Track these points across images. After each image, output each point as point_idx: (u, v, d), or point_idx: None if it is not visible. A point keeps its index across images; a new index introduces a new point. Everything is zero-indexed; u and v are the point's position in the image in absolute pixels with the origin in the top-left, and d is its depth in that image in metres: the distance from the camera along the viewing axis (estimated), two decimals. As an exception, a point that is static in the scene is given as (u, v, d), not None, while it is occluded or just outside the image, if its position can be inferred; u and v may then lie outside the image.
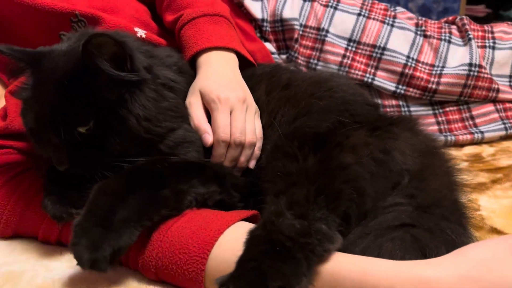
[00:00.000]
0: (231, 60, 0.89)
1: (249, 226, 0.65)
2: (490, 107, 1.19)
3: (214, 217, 0.66)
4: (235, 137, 0.77)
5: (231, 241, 0.62)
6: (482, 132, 1.18)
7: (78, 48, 0.65)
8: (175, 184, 0.66)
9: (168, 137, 0.72)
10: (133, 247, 0.63)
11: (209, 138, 0.77)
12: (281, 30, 1.23)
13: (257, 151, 0.81)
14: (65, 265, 0.70)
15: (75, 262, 0.69)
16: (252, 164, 0.80)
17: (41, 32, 0.89)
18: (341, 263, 0.56)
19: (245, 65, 0.93)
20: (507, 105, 1.20)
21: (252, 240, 0.52)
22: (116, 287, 0.64)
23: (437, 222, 0.65)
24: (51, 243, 0.76)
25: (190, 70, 0.88)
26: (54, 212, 0.71)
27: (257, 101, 0.84)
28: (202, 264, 0.61)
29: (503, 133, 1.18)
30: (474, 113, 1.20)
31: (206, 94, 0.81)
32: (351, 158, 0.65)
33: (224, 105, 0.79)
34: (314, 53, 1.22)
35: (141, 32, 0.92)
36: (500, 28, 1.25)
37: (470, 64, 1.16)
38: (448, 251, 0.58)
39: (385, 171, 0.67)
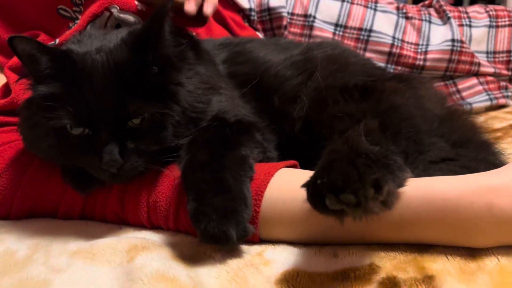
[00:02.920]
0: None
1: (295, 170, 0.64)
2: (473, 81, 1.26)
3: (260, 165, 0.64)
4: None
5: (283, 182, 0.61)
6: (470, 104, 1.24)
7: (126, 41, 0.63)
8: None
9: (207, 112, 0.68)
10: (184, 206, 0.60)
11: None
12: (268, 19, 1.25)
13: None
14: (96, 231, 0.64)
15: (105, 228, 0.65)
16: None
17: (39, 7, 0.85)
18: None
19: None
20: (488, 78, 1.27)
21: (334, 152, 0.49)
22: (170, 248, 0.59)
23: (476, 153, 0.67)
24: (72, 218, 0.69)
25: None
26: (77, 182, 0.66)
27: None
28: (257, 206, 0.59)
29: (488, 103, 1.24)
30: (460, 87, 1.25)
31: None
32: (400, 99, 0.67)
33: None
34: (303, 39, 1.24)
35: (141, 6, 0.90)
36: (472, 9, 1.34)
37: (453, 40, 1.22)
38: None
39: (426, 113, 0.69)
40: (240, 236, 0.55)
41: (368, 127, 0.58)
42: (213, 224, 0.54)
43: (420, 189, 0.54)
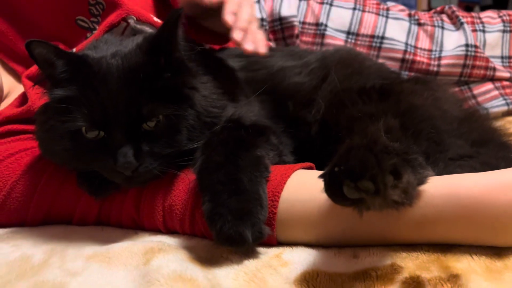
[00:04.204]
0: None
1: (312, 171, 0.63)
2: (489, 86, 1.24)
3: (276, 166, 0.63)
4: None
5: (300, 183, 0.60)
6: (486, 109, 1.21)
7: (141, 45, 0.63)
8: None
9: (222, 117, 0.68)
10: (199, 209, 0.59)
11: None
12: (280, 29, 1.25)
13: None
14: (111, 236, 0.64)
15: (121, 233, 0.65)
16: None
17: (58, 18, 0.86)
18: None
19: None
20: (504, 83, 1.25)
21: (350, 145, 0.48)
22: (186, 251, 0.58)
23: (497, 151, 0.66)
24: (88, 224, 0.69)
25: None
26: (92, 187, 0.66)
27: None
28: (274, 207, 0.58)
29: (505, 108, 1.22)
30: (475, 92, 1.24)
31: None
32: (418, 99, 0.67)
33: None
34: (315, 47, 1.24)
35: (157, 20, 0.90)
36: (486, 14, 1.32)
37: (467, 45, 1.21)
38: None
39: (445, 114, 0.68)
40: (255, 238, 0.54)
41: (388, 125, 0.57)
42: (229, 225, 0.53)
43: (442, 187, 0.53)
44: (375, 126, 0.55)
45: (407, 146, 0.55)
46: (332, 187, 0.46)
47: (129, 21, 0.84)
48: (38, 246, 0.63)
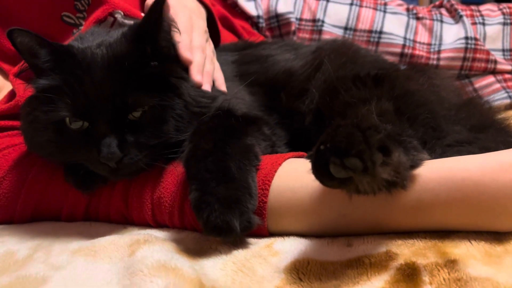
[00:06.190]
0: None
1: (304, 160, 0.61)
2: (491, 79, 1.21)
3: (267, 156, 0.61)
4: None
5: (291, 171, 0.58)
6: (488, 102, 1.19)
7: (126, 34, 0.62)
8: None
9: (211, 107, 0.66)
10: (188, 201, 0.56)
11: None
12: (277, 26, 1.24)
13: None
14: (99, 231, 0.62)
15: (109, 228, 0.63)
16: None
17: (44, 14, 0.85)
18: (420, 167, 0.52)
19: None
20: (506, 76, 1.22)
21: (338, 124, 0.46)
22: (175, 243, 0.56)
23: (495, 136, 0.63)
24: (76, 219, 0.67)
25: None
26: (79, 181, 0.64)
27: None
28: (264, 196, 0.56)
29: (508, 101, 1.19)
30: (476, 85, 1.21)
31: None
32: (414, 85, 0.65)
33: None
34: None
35: None
36: (485, 7, 1.30)
37: (466, 38, 1.19)
38: None
39: (442, 100, 0.66)
40: (244, 228, 0.52)
41: (382, 108, 0.55)
42: (216, 214, 0.51)
43: (438, 170, 0.50)
44: (366, 108, 0.53)
45: (401, 129, 0.53)
46: (318, 166, 0.43)
47: (116, 16, 0.83)
48: (24, 242, 0.61)
